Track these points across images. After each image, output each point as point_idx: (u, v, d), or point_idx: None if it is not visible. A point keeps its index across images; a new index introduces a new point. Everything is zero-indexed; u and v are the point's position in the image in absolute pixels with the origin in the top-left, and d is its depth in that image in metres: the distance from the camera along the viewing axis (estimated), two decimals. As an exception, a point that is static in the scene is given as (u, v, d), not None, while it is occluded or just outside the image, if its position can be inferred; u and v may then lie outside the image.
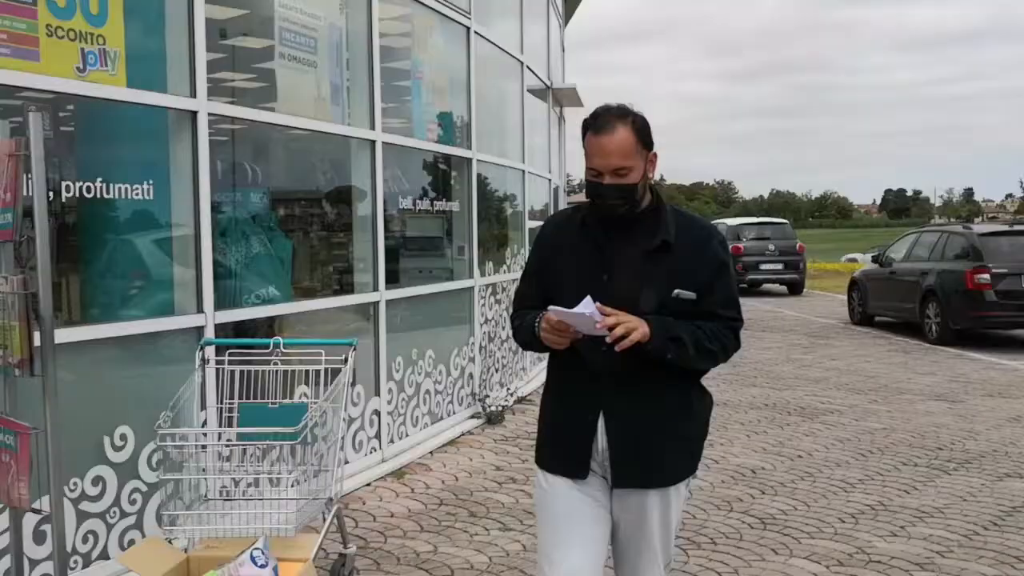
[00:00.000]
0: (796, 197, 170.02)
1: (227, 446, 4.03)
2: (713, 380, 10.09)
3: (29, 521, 3.79)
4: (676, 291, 2.67)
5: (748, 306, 18.96)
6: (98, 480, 4.20)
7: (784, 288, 21.99)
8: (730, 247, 21.21)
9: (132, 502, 4.36)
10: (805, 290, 22.09)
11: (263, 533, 3.47)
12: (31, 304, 3.06)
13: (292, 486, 3.93)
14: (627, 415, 2.70)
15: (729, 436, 7.47)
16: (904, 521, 5.28)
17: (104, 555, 4.19)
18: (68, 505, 4.03)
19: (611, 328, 2.52)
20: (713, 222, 23.17)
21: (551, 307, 2.59)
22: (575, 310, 2.52)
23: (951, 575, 4.46)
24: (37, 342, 3.05)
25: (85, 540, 4.13)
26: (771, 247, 21.34)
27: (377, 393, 6.37)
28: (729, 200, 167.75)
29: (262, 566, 3.17)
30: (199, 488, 4.09)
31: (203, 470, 3.97)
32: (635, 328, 2.54)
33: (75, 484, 4.06)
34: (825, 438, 7.35)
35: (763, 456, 6.80)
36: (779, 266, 21.42)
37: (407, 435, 6.75)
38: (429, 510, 5.53)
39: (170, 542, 4.10)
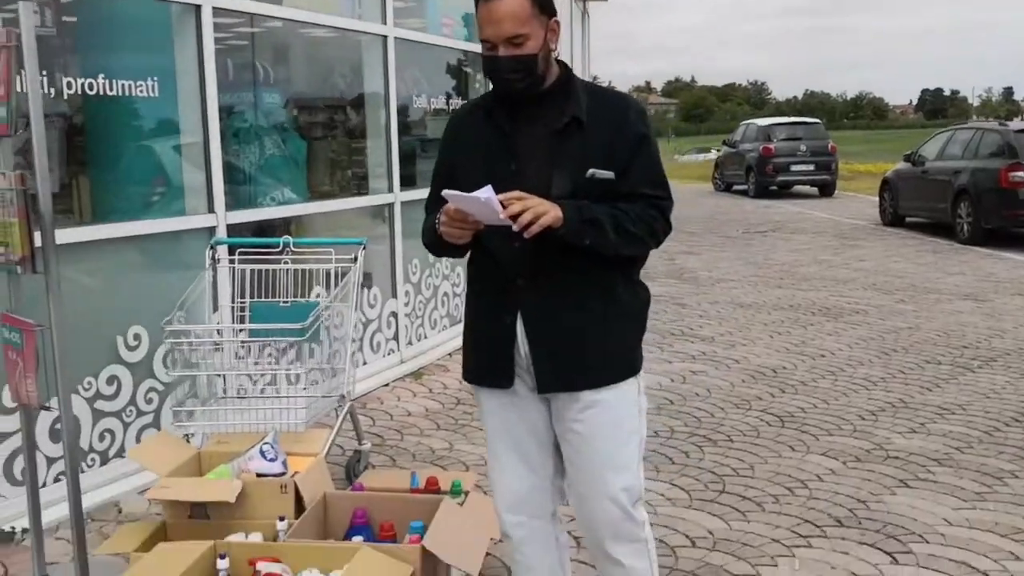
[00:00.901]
0: (831, 98, 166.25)
1: (238, 343, 4.03)
2: (737, 282, 10.07)
3: (46, 420, 3.83)
4: (591, 171, 2.36)
5: (777, 208, 18.81)
6: (112, 379, 4.22)
7: (815, 190, 21.62)
8: (760, 148, 20.98)
9: (148, 401, 4.40)
10: (837, 192, 21.71)
11: (273, 428, 3.48)
12: (30, 201, 3.02)
13: (305, 384, 3.94)
14: (546, 314, 2.42)
15: (751, 336, 7.41)
16: (924, 418, 5.23)
17: (121, 453, 4.24)
18: (83, 404, 4.06)
19: (516, 216, 2.21)
20: (743, 123, 22.67)
21: (445, 191, 2.27)
22: (473, 194, 2.19)
23: (970, 470, 4.42)
24: (38, 241, 3.01)
25: (102, 438, 4.18)
26: (802, 148, 20.88)
27: (394, 295, 6.34)
28: (762, 101, 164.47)
29: (271, 460, 3.19)
30: (213, 386, 4.11)
31: (216, 368, 3.98)
32: (544, 212, 2.23)
33: (89, 383, 4.09)
34: (849, 337, 7.27)
35: (785, 356, 6.75)
36: (810, 167, 20.98)
37: (425, 337, 6.75)
38: (446, 409, 5.55)
39: (188, 440, 4.15)
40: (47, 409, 3.29)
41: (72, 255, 3.83)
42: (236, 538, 2.92)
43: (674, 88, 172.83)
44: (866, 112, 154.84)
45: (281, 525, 2.90)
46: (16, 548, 3.61)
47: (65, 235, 3.80)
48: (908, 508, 3.97)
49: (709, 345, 7.12)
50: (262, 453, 3.19)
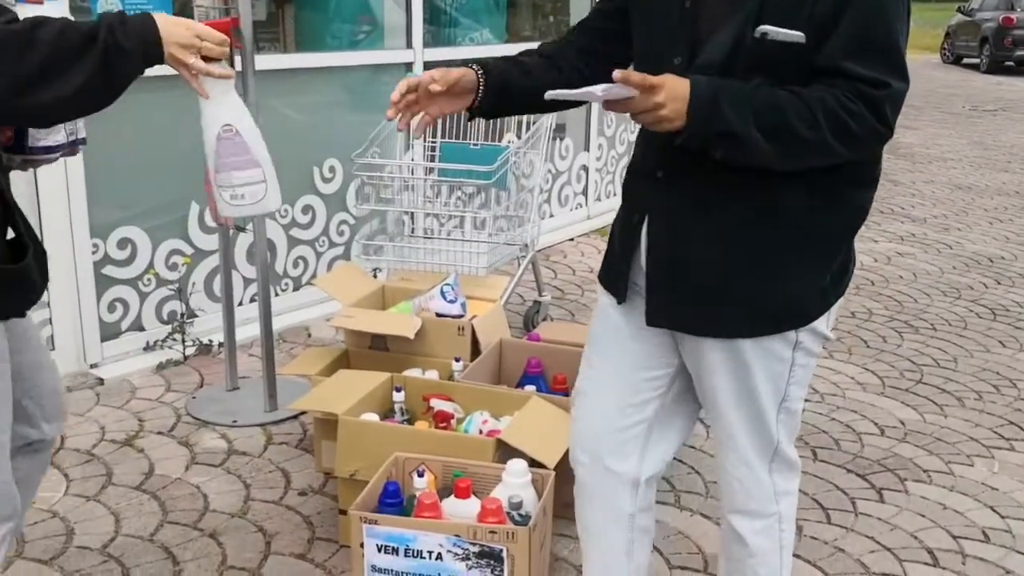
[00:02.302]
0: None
1: (428, 182, 4.01)
2: (957, 162, 9.26)
3: (245, 242, 3.97)
4: (763, 28, 1.55)
5: (1011, 86, 17.05)
6: (307, 209, 4.33)
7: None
8: (1000, 18, 18.87)
9: (340, 233, 4.49)
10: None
11: (455, 270, 3.46)
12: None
13: (490, 230, 3.89)
14: (676, 227, 1.72)
15: (968, 221, 6.82)
16: None
17: (312, 281, 4.38)
18: (279, 230, 4.19)
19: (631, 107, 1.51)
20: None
21: (550, 92, 1.55)
22: (585, 90, 1.50)
23: None
24: (238, 66, 3.02)
25: (295, 265, 4.32)
26: (1050, 20, 18.70)
27: (586, 148, 6.17)
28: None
29: (451, 301, 3.18)
30: (402, 224, 4.14)
31: (405, 206, 3.99)
32: (663, 119, 1.51)
33: (286, 211, 4.20)
34: (1082, 232, 6.57)
35: (1004, 245, 6.17)
36: (1056, 42, 18.81)
37: (614, 194, 6.57)
38: (631, 269, 5.42)
39: (374, 275, 4.23)
40: (242, 231, 3.41)
41: (273, 83, 3.86)
42: (412, 373, 2.95)
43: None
44: None
45: (456, 366, 2.90)
46: (213, 359, 3.83)
47: (266, 61, 3.83)
48: None
49: (920, 227, 6.61)
50: (442, 294, 3.18)
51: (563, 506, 2.64)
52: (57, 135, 1.83)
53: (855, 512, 2.86)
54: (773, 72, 1.57)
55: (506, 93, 1.82)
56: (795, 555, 2.61)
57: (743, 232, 1.67)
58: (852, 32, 1.54)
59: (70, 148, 1.90)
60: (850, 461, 3.18)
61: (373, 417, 2.56)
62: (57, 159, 1.88)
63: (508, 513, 2.21)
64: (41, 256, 1.72)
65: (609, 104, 1.54)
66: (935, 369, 4.04)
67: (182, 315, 3.89)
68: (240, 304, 4.06)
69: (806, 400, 3.59)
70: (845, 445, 3.29)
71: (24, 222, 1.70)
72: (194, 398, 3.49)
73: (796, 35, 1.55)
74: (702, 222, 1.69)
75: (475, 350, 3.07)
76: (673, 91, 1.51)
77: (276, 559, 2.53)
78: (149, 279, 3.78)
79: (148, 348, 3.78)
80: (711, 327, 1.73)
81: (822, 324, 1.76)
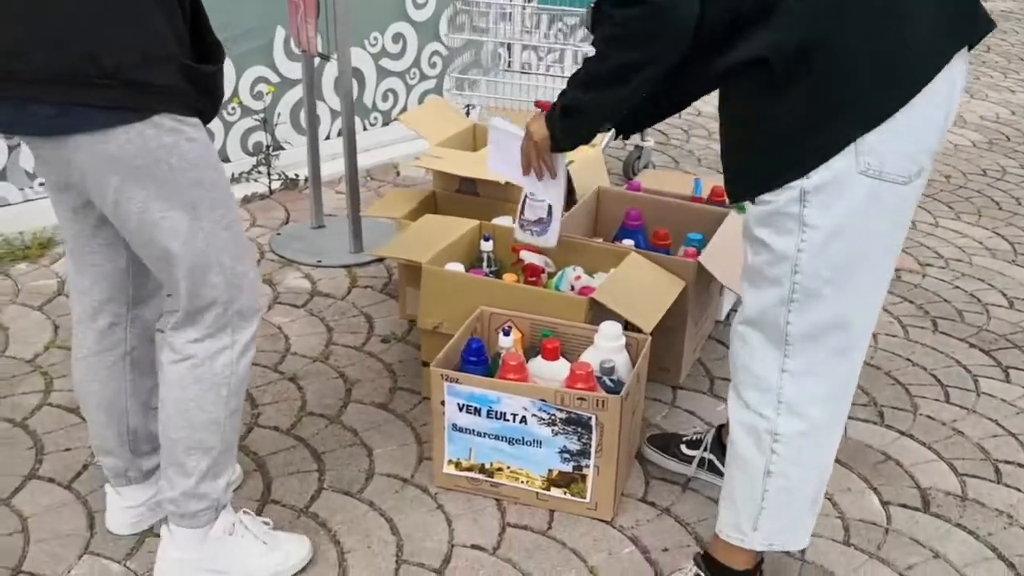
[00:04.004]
0: None
1: (524, 9, 3.71)
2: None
3: (333, 72, 3.77)
4: None
5: None
6: (398, 37, 4.07)
7: None
8: None
9: (432, 65, 4.24)
10: None
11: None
12: None
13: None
14: None
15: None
16: None
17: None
18: (367, 59, 3.96)
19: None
20: None
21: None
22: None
23: None
24: None
25: (385, 98, 4.11)
26: None
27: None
28: None
29: (547, 144, 2.94)
30: (498, 57, 3.86)
31: (502, 37, 3.71)
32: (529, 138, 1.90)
33: (375, 39, 3.96)
34: None
35: None
36: None
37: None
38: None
39: (467, 112, 4.00)
40: (325, 59, 3.20)
41: None
42: (502, 221, 2.76)
43: None
44: None
45: (550, 213, 2.69)
46: (299, 195, 3.71)
47: None
48: None
49: (1065, 76, 6.00)
50: (538, 135, 2.94)
51: (658, 370, 2.48)
52: None
53: (977, 392, 2.62)
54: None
55: None
56: (908, 434, 2.42)
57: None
58: None
59: None
60: (974, 335, 2.92)
61: (458, 267, 2.40)
62: None
63: (599, 378, 2.06)
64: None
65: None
66: (1075, 236, 3.67)
67: (268, 147, 3.75)
68: (328, 138, 3.90)
69: (928, 265, 3.31)
70: (969, 317, 3.02)
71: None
72: (279, 234, 3.38)
73: None
74: None
75: (570, 198, 2.84)
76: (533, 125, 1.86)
77: (356, 407, 2.45)
78: (234, 108, 3.63)
79: (233, 180, 3.66)
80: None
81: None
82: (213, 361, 1.66)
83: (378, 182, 3.91)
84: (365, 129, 4.03)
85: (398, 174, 4.01)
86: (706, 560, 1.85)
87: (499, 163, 2.06)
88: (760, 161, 1.57)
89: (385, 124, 4.15)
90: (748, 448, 1.70)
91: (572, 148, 1.92)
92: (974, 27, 1.55)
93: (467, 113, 3.95)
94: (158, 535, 1.85)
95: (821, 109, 1.48)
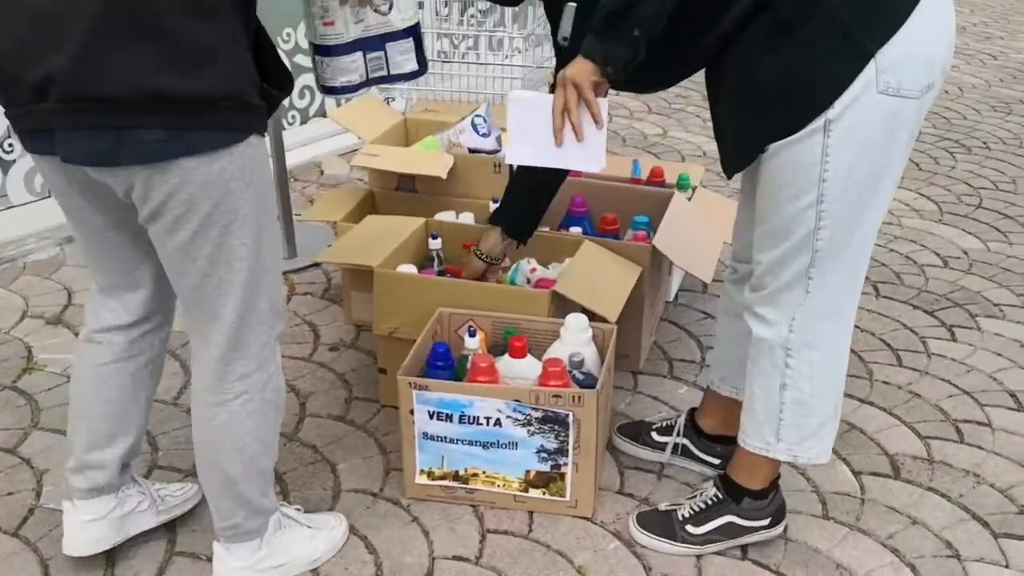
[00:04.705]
0: None
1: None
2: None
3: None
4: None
5: None
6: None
7: None
8: None
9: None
10: None
11: (487, 99, 3.14)
12: None
13: (508, 51, 3.53)
14: None
15: (1010, 29, 6.40)
16: None
17: (321, 112, 4.05)
18: (283, 56, 3.82)
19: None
20: None
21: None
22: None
23: None
24: None
25: (302, 95, 3.98)
26: None
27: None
28: None
29: (484, 135, 2.87)
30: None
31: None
32: (567, 88, 1.67)
33: (288, 35, 3.82)
34: None
35: (1053, 54, 5.80)
36: None
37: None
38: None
39: (388, 102, 3.90)
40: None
41: None
42: (446, 216, 2.69)
43: None
44: None
45: (494, 207, 2.62)
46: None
47: None
48: None
49: (959, 36, 6.18)
50: (474, 126, 2.87)
51: (618, 357, 2.45)
52: (351, 75, 1.78)
53: (927, 353, 2.67)
54: None
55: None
56: (868, 402, 2.44)
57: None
58: None
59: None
60: (915, 296, 2.97)
61: (411, 269, 2.32)
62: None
63: (569, 372, 2.01)
64: None
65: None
66: (994, 192, 3.78)
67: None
68: (246, 140, 3.76)
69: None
70: (908, 279, 3.08)
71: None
72: (206, 245, 3.23)
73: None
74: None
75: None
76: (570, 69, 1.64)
77: (312, 421, 2.35)
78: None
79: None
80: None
81: None
82: (264, 391, 1.64)
83: (302, 182, 3.78)
84: (284, 128, 3.88)
85: (322, 173, 3.88)
86: (724, 481, 1.92)
87: (522, 145, 1.77)
88: (776, 108, 1.60)
89: (304, 122, 4.02)
90: (764, 363, 1.78)
91: (624, 72, 1.63)
92: None
93: (388, 104, 3.85)
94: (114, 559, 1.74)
95: (834, 38, 1.52)
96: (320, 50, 1.76)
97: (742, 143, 1.69)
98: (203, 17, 1.36)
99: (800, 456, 1.83)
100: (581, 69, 1.64)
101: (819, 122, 1.55)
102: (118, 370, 1.75)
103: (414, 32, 1.83)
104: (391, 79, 1.83)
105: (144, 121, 1.37)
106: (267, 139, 1.60)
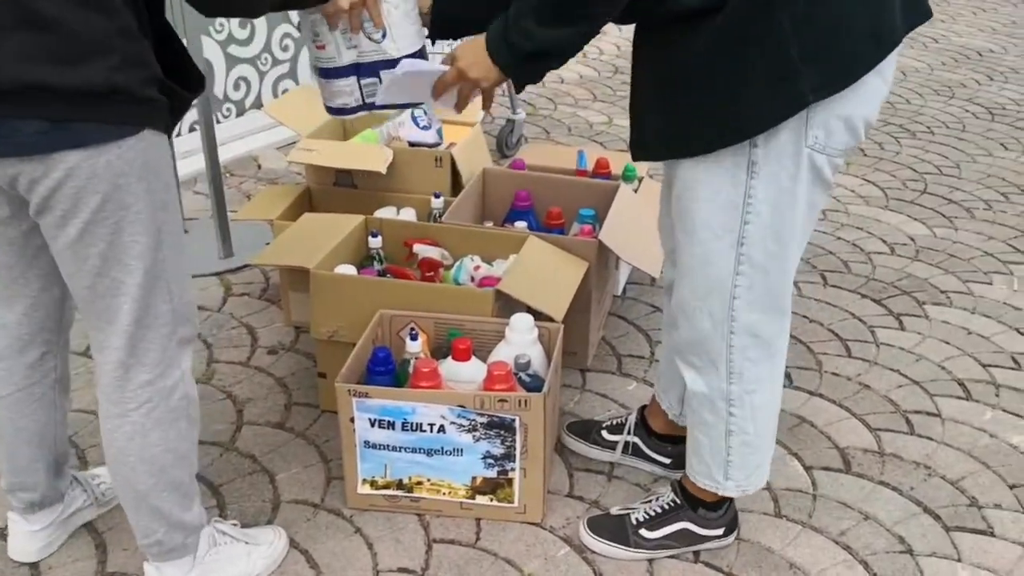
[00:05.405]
0: None
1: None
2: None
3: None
4: None
5: None
6: (245, 22, 3.81)
7: None
8: None
9: (284, 48, 4.00)
10: None
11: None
12: None
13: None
14: None
15: (950, 12, 6.45)
16: None
17: (257, 104, 3.93)
18: (215, 48, 3.70)
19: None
20: None
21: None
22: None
23: None
24: None
25: (236, 87, 3.86)
26: None
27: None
28: None
29: (424, 128, 2.79)
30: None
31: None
32: (459, 74, 1.61)
33: (221, 25, 3.70)
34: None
35: (991, 37, 5.85)
36: None
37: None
38: (603, 78, 5.01)
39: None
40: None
41: None
42: (386, 212, 2.61)
43: None
44: None
45: (436, 202, 2.55)
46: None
47: None
48: None
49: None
50: (414, 119, 2.79)
51: (566, 354, 2.39)
52: (347, 98, 1.73)
53: (876, 343, 2.65)
54: None
55: None
56: (818, 394, 2.41)
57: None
58: None
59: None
60: (863, 285, 2.95)
61: (350, 269, 2.24)
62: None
63: (515, 374, 1.94)
64: None
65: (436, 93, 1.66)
66: (938, 177, 3.79)
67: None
68: (179, 135, 3.62)
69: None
70: (855, 267, 3.06)
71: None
72: (138, 245, 3.11)
73: None
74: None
75: (455, 183, 2.72)
76: (468, 51, 1.56)
77: (250, 429, 2.26)
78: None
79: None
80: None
81: None
82: (169, 399, 1.56)
83: (239, 178, 3.66)
84: (219, 122, 3.77)
85: (259, 167, 3.77)
86: (682, 487, 1.89)
87: (391, 96, 1.74)
88: (701, 116, 1.49)
89: (239, 115, 3.90)
90: (705, 415, 1.75)
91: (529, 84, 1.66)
92: (920, 13, 1.53)
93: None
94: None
95: (775, 71, 1.42)
96: (318, 72, 1.74)
97: (662, 139, 1.58)
98: (92, 9, 1.29)
99: (749, 489, 1.82)
100: (489, 76, 1.58)
101: (742, 156, 1.48)
102: (21, 399, 1.68)
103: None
104: (388, 105, 1.76)
105: (23, 112, 1.30)
106: (197, 135, 1.52)
